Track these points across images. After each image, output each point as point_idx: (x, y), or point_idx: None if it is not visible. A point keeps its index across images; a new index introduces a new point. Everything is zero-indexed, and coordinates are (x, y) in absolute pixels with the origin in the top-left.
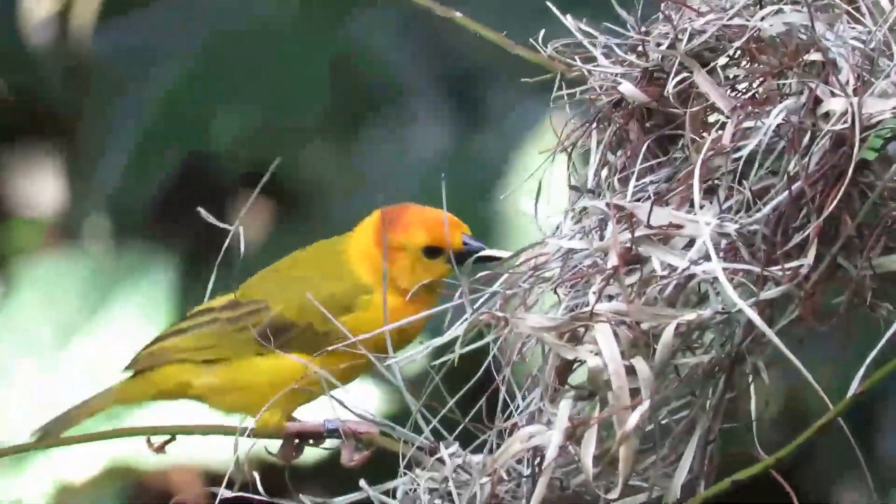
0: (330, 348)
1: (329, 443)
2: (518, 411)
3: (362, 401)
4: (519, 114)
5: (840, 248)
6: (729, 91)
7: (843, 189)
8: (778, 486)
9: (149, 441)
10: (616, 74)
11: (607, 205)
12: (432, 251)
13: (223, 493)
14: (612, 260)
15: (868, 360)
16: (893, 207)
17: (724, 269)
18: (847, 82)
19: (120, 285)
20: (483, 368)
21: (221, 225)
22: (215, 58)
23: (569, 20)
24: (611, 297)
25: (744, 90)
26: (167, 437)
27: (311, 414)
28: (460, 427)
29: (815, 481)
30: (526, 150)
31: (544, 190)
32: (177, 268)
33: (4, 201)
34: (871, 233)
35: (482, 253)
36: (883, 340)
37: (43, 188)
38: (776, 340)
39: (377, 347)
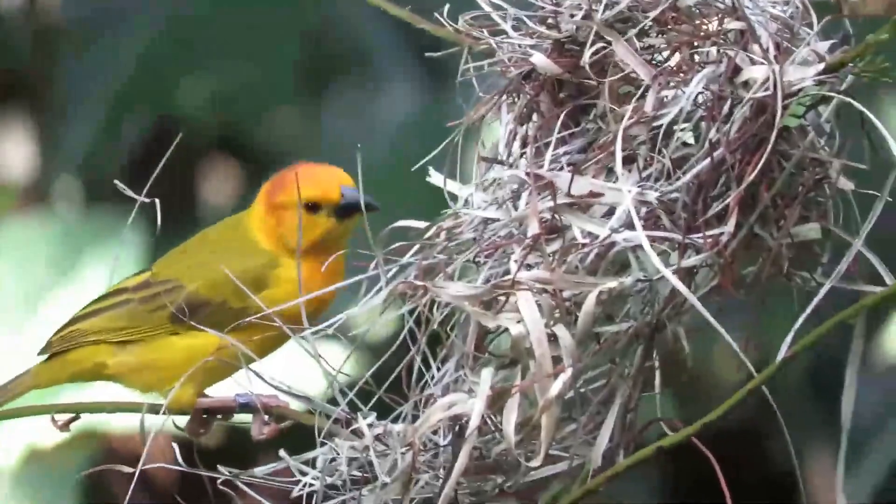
0: (245, 320)
1: (239, 418)
2: (434, 381)
3: (335, 364)
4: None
5: (757, 216)
6: (646, 61)
7: (764, 157)
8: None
9: (53, 419)
10: (526, 46)
11: (527, 173)
12: (312, 206)
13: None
14: (533, 228)
15: (797, 325)
16: (808, 177)
17: (646, 237)
18: (767, 50)
19: (91, 248)
20: (399, 340)
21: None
22: (185, 21)
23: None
24: (530, 266)
25: (661, 60)
26: (72, 414)
27: (227, 390)
28: (375, 398)
29: (783, 451)
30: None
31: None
32: (147, 231)
33: None
34: (787, 202)
35: (365, 201)
36: (812, 304)
37: (13, 152)
38: (699, 307)
39: (294, 317)
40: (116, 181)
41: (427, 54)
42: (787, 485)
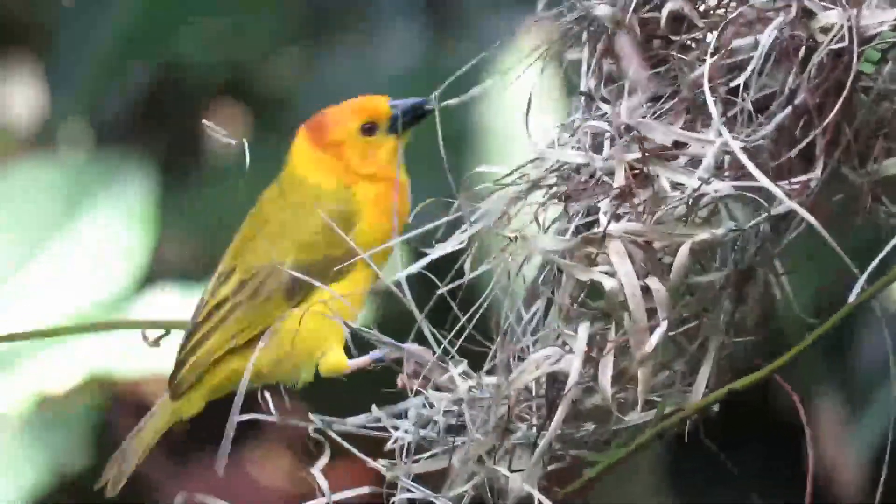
0: (343, 265)
1: None
2: (522, 331)
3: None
4: (495, 20)
5: (840, 154)
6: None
7: (841, 101)
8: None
9: (144, 335)
10: None
11: (609, 122)
12: (369, 129)
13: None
14: (620, 178)
15: (868, 271)
16: (888, 108)
17: (735, 187)
18: None
19: (97, 191)
20: (489, 290)
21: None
22: None
23: None
24: (617, 218)
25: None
26: (162, 331)
27: None
28: (460, 340)
29: (789, 400)
30: (503, 59)
31: (531, 100)
32: (154, 175)
33: None
34: (868, 137)
35: (425, 106)
36: (885, 251)
37: (19, 96)
38: (828, 237)
39: (385, 239)
40: (206, 122)
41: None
42: (795, 432)
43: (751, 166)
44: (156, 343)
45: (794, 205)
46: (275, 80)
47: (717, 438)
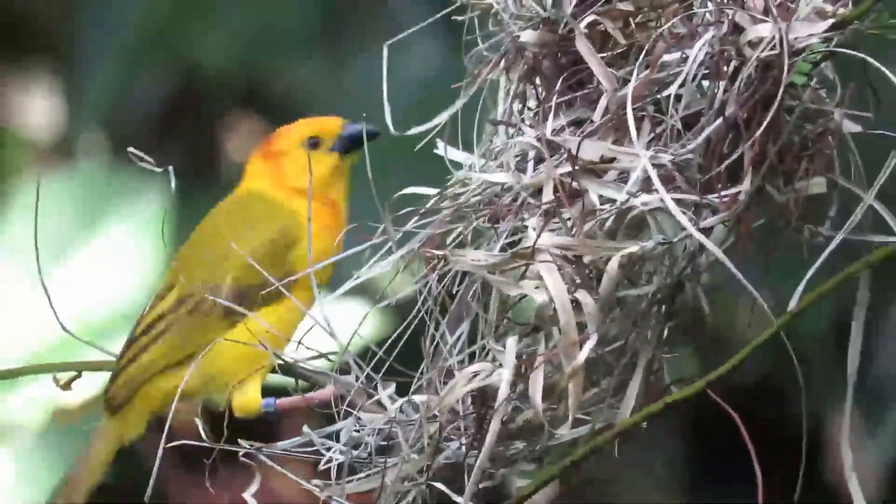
0: (264, 291)
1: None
2: (449, 348)
3: (354, 324)
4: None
5: (765, 172)
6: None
7: (771, 114)
8: (759, 414)
9: (55, 378)
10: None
11: (539, 139)
12: (312, 143)
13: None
14: (548, 194)
15: (806, 278)
16: (812, 129)
17: (662, 199)
18: (768, 7)
19: (114, 204)
20: (417, 309)
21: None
22: None
23: None
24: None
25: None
26: (74, 373)
27: None
28: (385, 365)
29: (801, 406)
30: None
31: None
32: (170, 187)
33: None
34: (793, 156)
35: (361, 130)
36: (820, 260)
37: (37, 107)
38: (727, 262)
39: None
40: (131, 150)
41: (453, 17)
42: (808, 440)
43: (657, 178)
44: (67, 386)
45: (694, 230)
46: (292, 91)
47: (730, 448)
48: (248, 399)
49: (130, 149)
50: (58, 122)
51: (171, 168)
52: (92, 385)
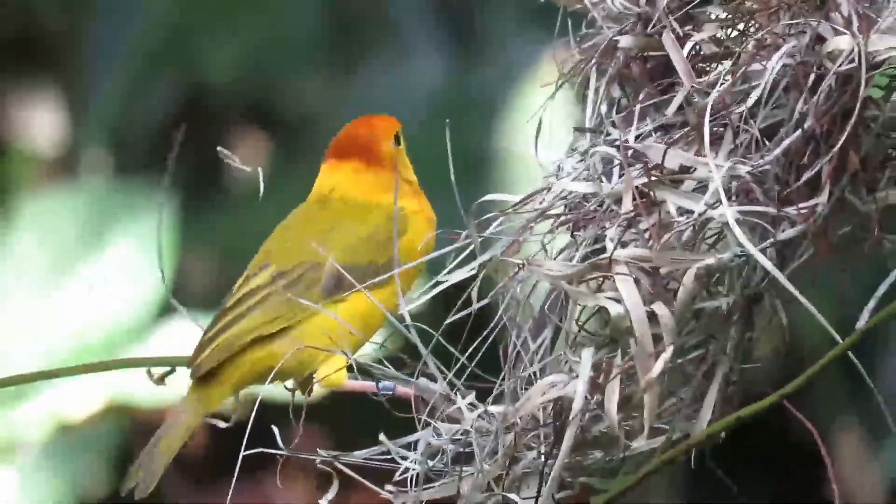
0: (384, 276)
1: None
2: (529, 358)
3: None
4: (517, 47)
5: (847, 182)
6: (725, 32)
7: (850, 126)
8: (773, 430)
9: (149, 372)
10: (610, 23)
11: (618, 146)
12: (397, 139)
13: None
14: (627, 204)
15: (878, 295)
16: (894, 139)
17: (740, 212)
18: (850, 19)
19: (119, 219)
20: (497, 318)
21: (238, 164)
22: None
23: None
24: (624, 244)
25: (739, 31)
26: (167, 368)
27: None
28: (467, 372)
29: (812, 421)
30: (524, 84)
31: (545, 127)
32: (175, 202)
33: (2, 135)
34: (875, 165)
35: None
36: (893, 275)
37: (41, 122)
38: (787, 284)
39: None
40: (220, 149)
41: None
42: (814, 453)
43: (723, 193)
44: (161, 381)
45: (762, 257)
46: (298, 105)
47: (733, 463)
48: (332, 374)
49: (220, 148)
50: (62, 136)
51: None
52: (95, 401)
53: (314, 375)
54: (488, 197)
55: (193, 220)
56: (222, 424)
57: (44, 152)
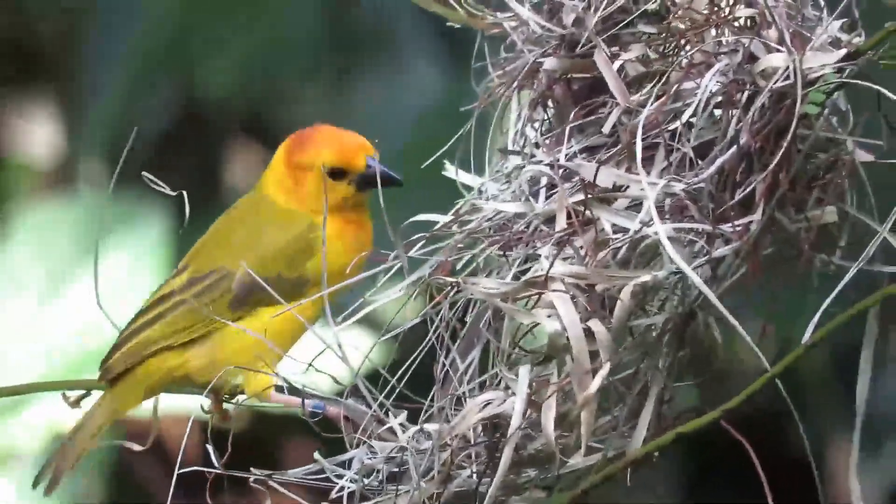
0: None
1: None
2: (459, 376)
3: (351, 350)
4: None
5: (776, 201)
6: (653, 51)
7: (786, 143)
8: (763, 444)
9: (64, 395)
10: (531, 46)
11: (551, 165)
12: (336, 173)
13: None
14: (562, 222)
15: (818, 314)
16: (824, 158)
17: (675, 230)
18: (783, 36)
19: (115, 230)
20: (430, 336)
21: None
22: (208, 1)
23: None
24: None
25: (669, 50)
26: (82, 392)
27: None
28: (395, 392)
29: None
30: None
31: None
32: (171, 213)
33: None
34: (804, 185)
35: (387, 173)
36: (833, 294)
37: (38, 134)
38: (716, 303)
39: (337, 277)
40: (145, 174)
41: (456, 43)
42: (809, 470)
43: (655, 212)
44: (76, 404)
45: (693, 276)
46: (294, 117)
47: (731, 476)
48: (261, 386)
49: (145, 174)
50: (59, 147)
51: (184, 193)
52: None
53: (239, 389)
54: (417, 217)
55: (190, 230)
56: (136, 448)
57: (41, 163)
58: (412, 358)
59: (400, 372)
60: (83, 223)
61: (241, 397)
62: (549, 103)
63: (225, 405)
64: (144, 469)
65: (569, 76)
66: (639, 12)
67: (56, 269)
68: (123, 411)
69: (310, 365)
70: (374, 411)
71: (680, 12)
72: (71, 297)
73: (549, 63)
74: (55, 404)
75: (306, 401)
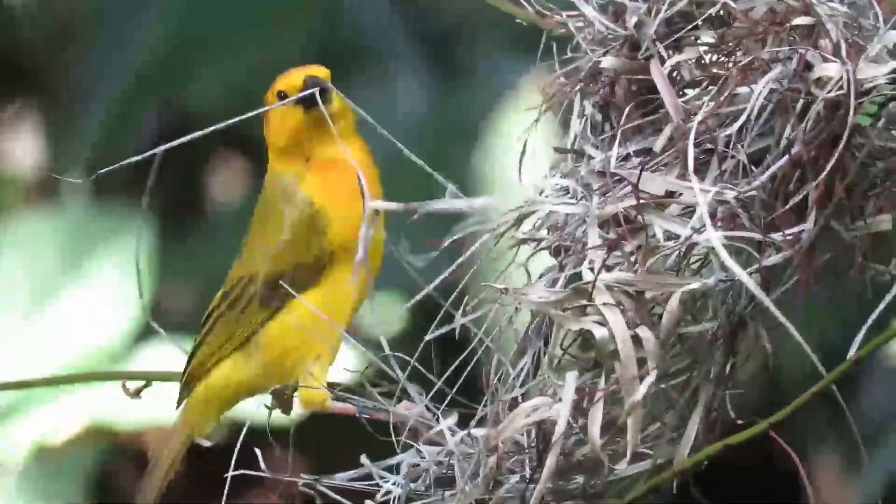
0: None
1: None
2: (511, 381)
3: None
4: (498, 73)
5: (832, 210)
6: (710, 56)
7: (838, 153)
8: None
9: (124, 385)
10: (594, 47)
11: (603, 170)
12: (281, 97)
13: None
14: (612, 228)
15: (867, 325)
16: (881, 167)
17: (727, 237)
18: (838, 46)
19: (99, 244)
20: (476, 340)
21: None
22: (196, 18)
23: None
24: (609, 267)
25: (725, 56)
26: (143, 382)
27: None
28: (448, 398)
29: (791, 447)
30: (506, 110)
31: (530, 150)
32: (155, 227)
33: None
34: (860, 193)
35: (315, 79)
36: (883, 304)
37: (23, 146)
38: (775, 310)
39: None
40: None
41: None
42: (796, 482)
43: (708, 219)
44: (137, 395)
45: (751, 282)
46: None
47: (718, 489)
48: (314, 395)
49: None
50: (43, 161)
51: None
52: (75, 424)
53: (295, 392)
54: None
55: (174, 243)
56: (206, 443)
57: (26, 176)
58: (459, 360)
59: (446, 374)
60: (68, 236)
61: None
62: (610, 105)
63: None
64: (128, 479)
65: (629, 77)
66: (702, 17)
67: (41, 282)
68: (198, 434)
69: (363, 372)
70: (423, 415)
71: (739, 18)
72: (56, 309)
73: (607, 62)
74: (38, 417)
75: (358, 410)
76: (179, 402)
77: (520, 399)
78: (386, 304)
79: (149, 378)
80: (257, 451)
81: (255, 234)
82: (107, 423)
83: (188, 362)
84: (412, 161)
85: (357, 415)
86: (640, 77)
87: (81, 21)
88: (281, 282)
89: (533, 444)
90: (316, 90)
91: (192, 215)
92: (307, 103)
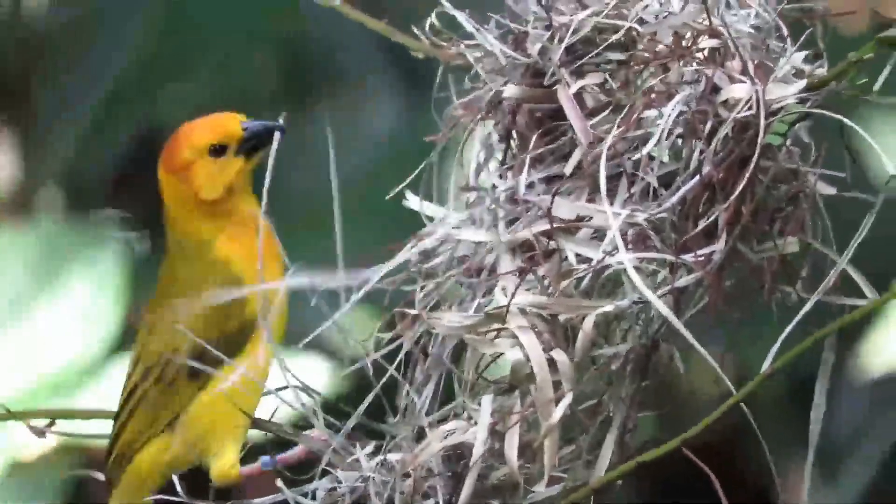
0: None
1: None
2: (421, 405)
3: (310, 378)
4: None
5: (738, 232)
6: (616, 81)
7: (748, 174)
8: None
9: (30, 425)
10: (501, 66)
11: (514, 197)
12: (218, 150)
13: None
14: (523, 253)
15: (778, 342)
16: (786, 189)
17: (638, 259)
18: (746, 67)
19: (73, 259)
20: (395, 365)
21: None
22: (168, 33)
23: (458, 12)
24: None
25: (630, 80)
26: (48, 419)
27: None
28: (353, 420)
29: (759, 463)
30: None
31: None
32: (130, 242)
33: None
34: (766, 216)
35: (264, 124)
36: (794, 321)
37: None
38: (683, 330)
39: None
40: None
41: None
42: (767, 498)
43: (621, 240)
44: (42, 434)
45: (660, 304)
46: None
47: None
48: (226, 468)
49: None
50: (15, 176)
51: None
52: (48, 441)
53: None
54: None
55: (148, 260)
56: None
57: None
58: (376, 389)
59: (365, 403)
60: (42, 251)
61: None
62: (513, 133)
63: None
64: (102, 494)
65: (531, 105)
66: (605, 45)
67: (13, 297)
68: None
69: (276, 392)
70: (338, 443)
71: (644, 43)
72: (28, 326)
73: (511, 91)
74: (11, 432)
75: (261, 461)
76: (109, 482)
77: (426, 425)
78: (362, 320)
79: (54, 416)
80: (175, 478)
81: (174, 297)
82: (79, 439)
83: (113, 440)
84: (383, 180)
85: (262, 468)
86: (543, 106)
87: (55, 37)
88: (211, 348)
89: (445, 469)
90: (278, 134)
91: (164, 231)
92: (249, 152)
